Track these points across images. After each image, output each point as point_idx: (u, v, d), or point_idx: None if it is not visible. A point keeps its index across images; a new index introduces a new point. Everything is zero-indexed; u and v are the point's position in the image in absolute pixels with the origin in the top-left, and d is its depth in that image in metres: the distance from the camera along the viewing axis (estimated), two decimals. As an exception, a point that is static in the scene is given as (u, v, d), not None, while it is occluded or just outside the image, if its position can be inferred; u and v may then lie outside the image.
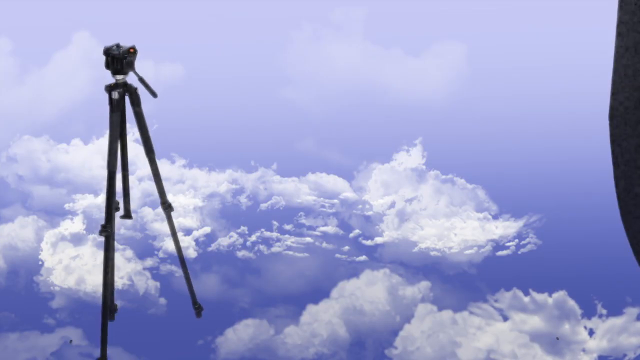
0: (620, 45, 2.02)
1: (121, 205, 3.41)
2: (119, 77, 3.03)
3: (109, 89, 3.04)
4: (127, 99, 3.10)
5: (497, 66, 6.80)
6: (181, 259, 3.54)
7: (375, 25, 6.85)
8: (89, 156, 5.82)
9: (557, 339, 4.22)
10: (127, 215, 3.46)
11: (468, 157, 5.98)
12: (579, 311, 4.30)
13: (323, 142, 6.06)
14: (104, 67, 3.05)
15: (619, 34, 2.03)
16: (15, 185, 5.73)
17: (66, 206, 5.38)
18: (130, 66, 3.06)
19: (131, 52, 3.05)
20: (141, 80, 3.07)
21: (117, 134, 3.08)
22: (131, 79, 3.08)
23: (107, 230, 3.16)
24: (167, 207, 3.46)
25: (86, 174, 5.70)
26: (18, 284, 4.81)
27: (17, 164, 5.83)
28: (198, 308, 3.57)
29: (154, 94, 3.10)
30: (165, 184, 5.68)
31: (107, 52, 3.04)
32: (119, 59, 3.02)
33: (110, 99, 3.05)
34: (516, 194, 5.58)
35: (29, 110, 6.30)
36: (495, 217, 5.33)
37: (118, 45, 3.08)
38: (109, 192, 3.11)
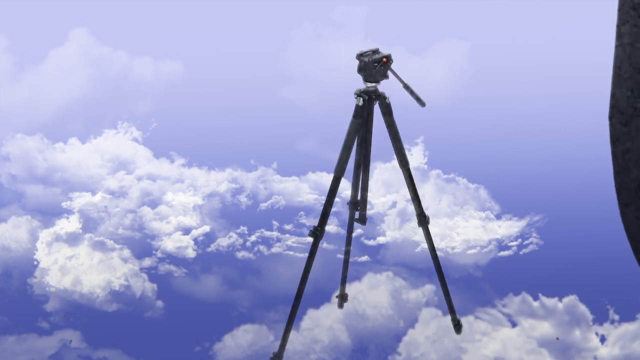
0: (621, 44, 1.99)
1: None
2: (369, 84, 2.91)
3: (358, 94, 2.93)
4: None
5: (500, 65, 6.76)
6: (439, 270, 3.42)
7: (377, 23, 6.85)
8: (87, 155, 5.69)
9: (557, 339, 4.07)
10: (362, 220, 3.39)
11: (470, 156, 5.92)
12: (590, 317, 4.14)
13: (324, 142, 5.96)
14: (356, 71, 2.93)
15: (620, 34, 1.99)
16: (8, 184, 5.58)
17: (63, 204, 5.24)
18: (382, 75, 2.90)
19: (384, 62, 2.88)
20: (406, 87, 2.86)
21: (353, 141, 2.98)
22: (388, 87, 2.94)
23: (317, 232, 3.06)
24: (423, 220, 3.31)
25: (83, 174, 5.58)
26: (11, 286, 4.66)
27: (11, 163, 5.68)
28: None
29: (422, 103, 2.88)
30: (164, 183, 5.60)
31: (360, 56, 2.90)
32: (369, 66, 2.87)
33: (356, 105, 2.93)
34: (518, 194, 5.54)
35: (25, 108, 6.19)
36: (497, 217, 5.27)
37: (375, 51, 2.91)
38: (330, 197, 3.06)
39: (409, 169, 3.18)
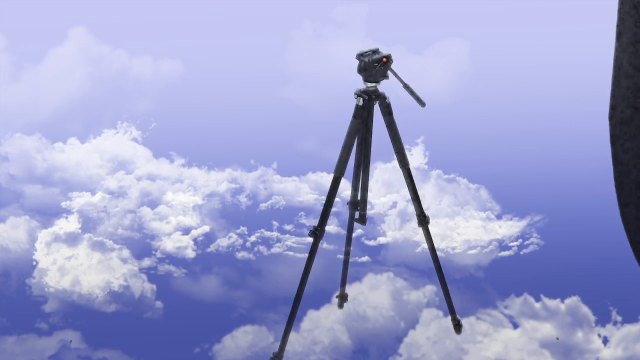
0: (621, 44, 1.97)
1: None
2: (369, 84, 2.92)
3: (358, 94, 2.93)
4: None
5: (500, 65, 6.73)
6: (439, 270, 3.41)
7: (377, 23, 6.83)
8: (86, 155, 5.66)
9: (557, 339, 4.05)
10: (362, 220, 3.40)
11: (471, 156, 5.90)
12: (592, 318, 4.10)
13: (324, 142, 5.94)
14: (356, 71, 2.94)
15: (619, 33, 1.97)
16: (7, 184, 5.54)
17: (63, 204, 5.21)
18: (382, 75, 2.90)
19: (384, 62, 2.88)
20: (406, 87, 2.86)
21: (353, 141, 2.99)
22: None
23: (317, 232, 3.05)
24: (423, 220, 3.31)
25: (82, 174, 5.55)
26: (9, 286, 4.63)
27: (9, 163, 5.65)
28: None
29: (422, 103, 2.88)
30: (163, 183, 5.59)
31: (360, 56, 2.89)
32: (369, 66, 2.88)
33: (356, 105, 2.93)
34: (519, 194, 5.51)
35: (24, 108, 6.16)
36: (498, 217, 5.24)
37: (375, 51, 2.91)
38: (330, 197, 3.06)
39: (409, 169, 3.17)
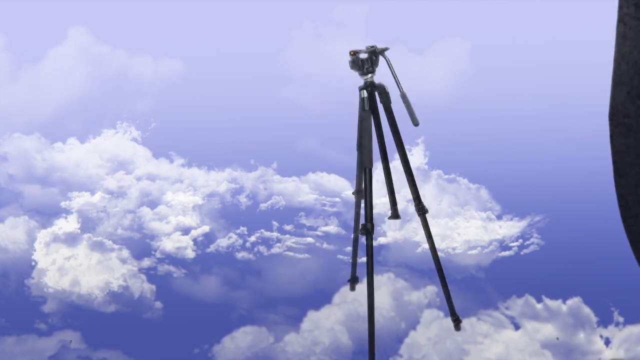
0: (621, 44, 1.99)
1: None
2: (366, 77, 3.08)
3: (361, 88, 3.08)
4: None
5: (500, 65, 6.71)
6: (437, 263, 3.39)
7: (377, 22, 6.81)
8: (86, 155, 5.64)
9: (557, 339, 4.02)
10: (395, 215, 3.42)
11: (471, 156, 5.88)
12: (594, 319, 4.08)
13: (324, 141, 5.92)
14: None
15: (619, 33, 1.99)
16: (6, 184, 5.53)
17: (62, 204, 5.20)
18: (371, 65, 3.06)
19: (351, 54, 3.08)
20: (404, 98, 3.02)
21: (365, 131, 3.07)
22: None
23: (369, 227, 3.05)
24: (419, 207, 3.35)
25: (82, 174, 5.53)
26: (8, 287, 4.61)
27: (8, 163, 5.64)
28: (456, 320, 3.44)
29: (415, 122, 3.03)
30: (163, 183, 5.56)
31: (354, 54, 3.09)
32: (357, 62, 3.06)
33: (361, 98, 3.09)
34: (519, 194, 5.50)
35: (24, 108, 6.14)
36: (498, 217, 5.23)
37: (371, 47, 3.08)
38: (368, 190, 3.07)
39: (405, 153, 3.22)
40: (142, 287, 4.56)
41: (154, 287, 4.58)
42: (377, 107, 3.09)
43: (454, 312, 3.46)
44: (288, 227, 5.13)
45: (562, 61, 6.68)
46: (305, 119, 6.27)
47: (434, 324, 4.02)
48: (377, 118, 3.10)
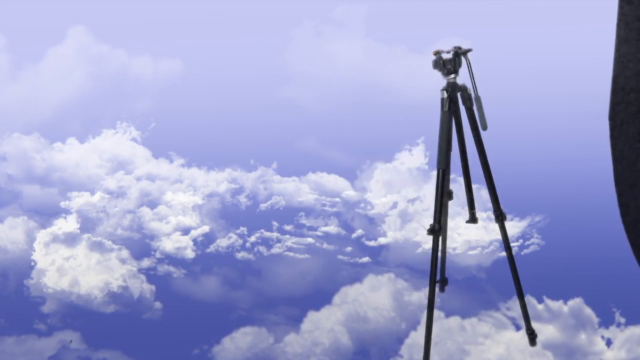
0: (621, 44, 1.97)
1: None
2: (448, 77, 3.11)
3: (443, 89, 3.12)
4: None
5: (500, 65, 6.69)
6: (514, 274, 3.36)
7: (377, 22, 6.80)
8: (85, 155, 5.64)
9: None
10: (473, 219, 3.45)
11: (471, 156, 5.86)
12: (595, 320, 4.07)
13: (324, 141, 5.92)
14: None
15: (619, 33, 1.98)
16: (5, 184, 5.52)
17: (62, 204, 5.19)
18: (455, 66, 3.10)
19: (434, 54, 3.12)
20: (477, 101, 3.07)
21: (445, 132, 3.09)
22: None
23: (436, 228, 3.10)
24: (499, 216, 3.36)
25: (82, 174, 5.52)
26: (8, 287, 4.60)
27: (7, 163, 5.63)
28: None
29: (484, 126, 3.11)
30: (163, 183, 5.55)
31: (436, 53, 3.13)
32: (439, 62, 3.11)
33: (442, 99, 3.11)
34: (520, 194, 5.47)
35: (23, 108, 6.14)
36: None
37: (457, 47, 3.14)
38: (440, 191, 3.13)
39: (485, 157, 3.26)
40: (142, 287, 4.55)
41: (153, 287, 4.59)
42: (458, 108, 3.11)
43: (529, 326, 3.39)
44: (288, 227, 5.12)
45: (562, 61, 6.68)
46: (305, 119, 6.27)
47: (434, 325, 4.00)
48: (458, 119, 3.12)
